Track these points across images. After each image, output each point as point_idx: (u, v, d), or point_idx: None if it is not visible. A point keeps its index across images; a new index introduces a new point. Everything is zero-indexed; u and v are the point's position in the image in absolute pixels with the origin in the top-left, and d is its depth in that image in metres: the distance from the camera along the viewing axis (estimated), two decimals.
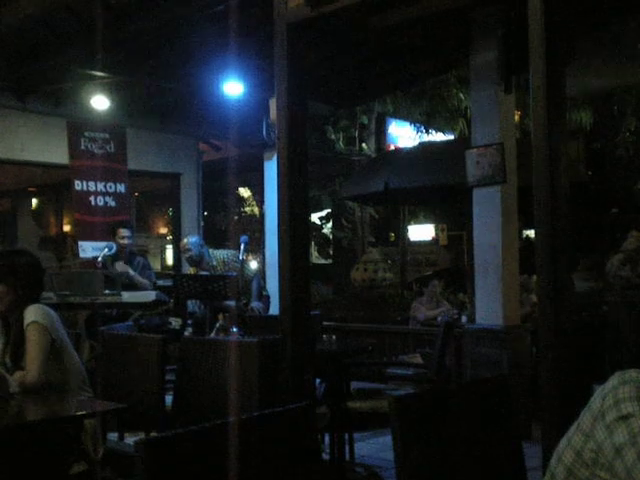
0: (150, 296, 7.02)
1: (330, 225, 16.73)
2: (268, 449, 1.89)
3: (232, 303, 6.28)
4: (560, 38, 3.01)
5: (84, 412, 3.29)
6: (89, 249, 8.52)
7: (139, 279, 7.24)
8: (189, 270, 7.43)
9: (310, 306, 4.03)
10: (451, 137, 13.68)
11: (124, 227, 7.59)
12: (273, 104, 6.99)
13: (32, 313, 3.48)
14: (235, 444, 1.74)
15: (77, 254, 8.72)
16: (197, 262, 7.08)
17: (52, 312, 3.58)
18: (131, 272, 7.22)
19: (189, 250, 7.05)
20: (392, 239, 17.80)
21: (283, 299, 3.79)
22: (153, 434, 3.62)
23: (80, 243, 8.71)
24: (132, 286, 7.13)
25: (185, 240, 7.25)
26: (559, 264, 2.97)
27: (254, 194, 17.67)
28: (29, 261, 3.69)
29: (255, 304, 6.85)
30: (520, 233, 9.79)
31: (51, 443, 3.08)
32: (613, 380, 1.70)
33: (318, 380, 4.81)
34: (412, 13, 3.83)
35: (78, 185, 8.71)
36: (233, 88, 7.95)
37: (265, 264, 8.99)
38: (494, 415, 2.30)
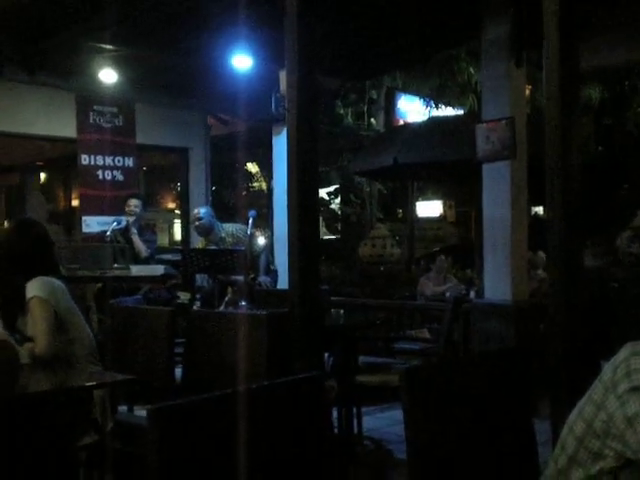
0: (159, 270, 7.04)
1: (338, 201, 16.71)
2: (278, 419, 1.89)
3: (240, 277, 6.28)
4: (574, 12, 2.97)
5: (93, 383, 3.31)
6: (94, 224, 8.53)
7: (139, 244, 7.28)
8: (199, 243, 7.42)
9: (319, 280, 4.03)
10: (461, 112, 13.60)
11: (134, 197, 7.62)
12: (283, 76, 6.96)
13: (34, 287, 3.47)
14: (245, 413, 1.74)
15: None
16: (207, 232, 7.07)
17: (56, 284, 3.56)
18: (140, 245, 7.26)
19: (200, 219, 7.04)
20: (400, 215, 17.78)
21: (292, 273, 3.78)
22: None
23: (84, 218, 8.72)
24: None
25: (196, 210, 7.28)
26: (570, 240, 2.96)
27: (262, 169, 17.63)
28: (22, 233, 3.67)
29: (263, 278, 6.85)
30: (528, 210, 9.77)
31: (60, 414, 3.09)
32: (625, 351, 1.70)
33: (326, 354, 4.82)
34: None
35: (85, 160, 8.71)
36: (242, 61, 7.91)
37: (273, 239, 8.97)
38: (504, 387, 2.30)
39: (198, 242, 7.58)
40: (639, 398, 1.59)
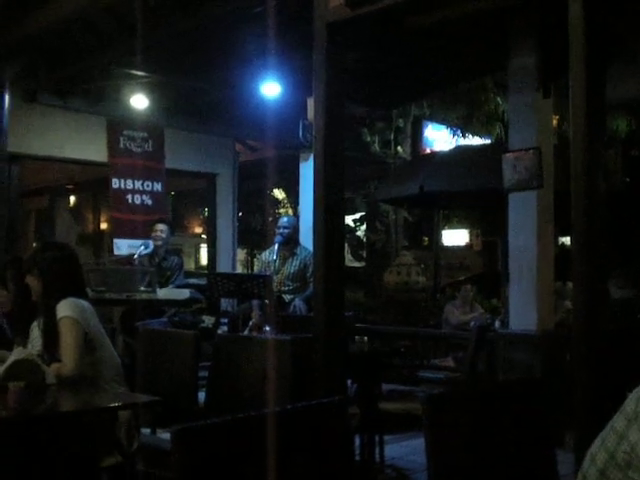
0: (184, 294, 7.10)
1: (364, 228, 16.72)
2: (300, 443, 1.90)
3: (256, 302, 6.31)
4: (600, 44, 2.99)
5: (118, 404, 3.34)
6: (124, 247, 8.64)
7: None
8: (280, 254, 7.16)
9: (343, 307, 4.04)
10: (488, 141, 13.60)
11: (162, 222, 7.69)
12: (311, 104, 7.02)
13: (64, 307, 3.52)
14: (267, 436, 1.76)
15: (112, 251, 8.83)
16: (287, 240, 7.06)
17: (85, 305, 3.62)
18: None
19: (286, 227, 7.06)
20: (426, 243, 17.75)
21: (317, 299, 3.81)
22: None
23: (115, 241, 8.82)
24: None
25: (285, 218, 7.46)
26: (595, 271, 2.95)
27: (288, 195, 17.72)
28: (56, 255, 3.73)
29: (298, 302, 6.85)
30: (555, 239, 9.71)
31: (85, 433, 3.12)
32: None
33: (349, 381, 4.82)
34: (450, 14, 3.83)
35: (115, 183, 8.83)
36: (270, 89, 8.00)
37: None
38: (527, 417, 2.29)
39: (262, 256, 7.51)
40: None
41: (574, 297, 3.06)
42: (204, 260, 16.71)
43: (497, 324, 8.09)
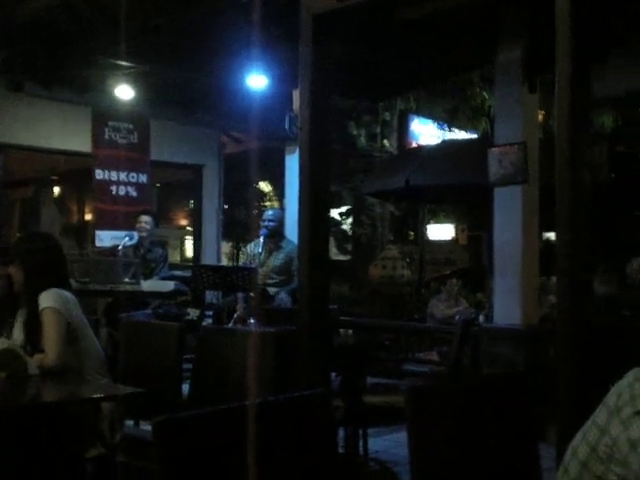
0: (169, 286, 7.08)
1: (350, 221, 16.71)
2: (282, 435, 1.90)
3: (241, 295, 6.30)
4: (586, 39, 2.99)
5: (101, 395, 3.32)
6: (107, 238, 8.59)
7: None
8: (266, 247, 7.15)
9: (328, 300, 4.04)
10: (474, 136, 13.62)
11: (146, 214, 7.66)
12: (296, 96, 7.00)
13: (47, 298, 3.50)
14: (249, 428, 1.75)
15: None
16: (272, 234, 7.02)
17: (68, 296, 3.60)
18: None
19: (271, 220, 7.04)
20: (411, 237, 17.76)
21: (302, 291, 3.80)
22: None
23: (98, 232, 8.78)
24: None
25: (270, 211, 7.48)
26: (579, 266, 2.96)
27: (274, 188, 17.68)
28: (38, 246, 3.71)
29: (283, 295, 6.84)
30: (540, 234, 9.74)
31: (68, 425, 3.11)
32: (629, 377, 1.70)
33: (333, 374, 4.82)
34: (441, 7, 3.82)
35: (99, 174, 8.78)
36: (257, 81, 7.97)
37: None
38: (510, 411, 2.30)
39: (247, 249, 7.48)
40: None
41: (558, 291, 3.07)
42: (190, 252, 16.65)
43: (481, 318, 8.10)
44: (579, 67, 2.89)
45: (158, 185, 14.26)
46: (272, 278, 7.02)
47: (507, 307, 6.24)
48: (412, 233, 17.37)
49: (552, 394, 3.18)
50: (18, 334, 3.70)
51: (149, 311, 6.65)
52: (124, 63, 7.74)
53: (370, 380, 5.52)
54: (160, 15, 6.35)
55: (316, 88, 3.57)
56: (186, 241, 19.50)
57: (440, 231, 19.51)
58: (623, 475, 1.63)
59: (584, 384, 3.05)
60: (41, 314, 3.48)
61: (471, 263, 15.50)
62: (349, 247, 16.87)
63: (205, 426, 1.75)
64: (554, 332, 3.60)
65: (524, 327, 6.11)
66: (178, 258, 19.16)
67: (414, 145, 14.51)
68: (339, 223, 16.73)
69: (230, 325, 5.60)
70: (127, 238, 7.30)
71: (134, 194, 8.95)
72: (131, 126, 8.99)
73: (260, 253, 6.97)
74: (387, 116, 14.02)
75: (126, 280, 6.57)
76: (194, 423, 1.73)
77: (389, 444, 5.64)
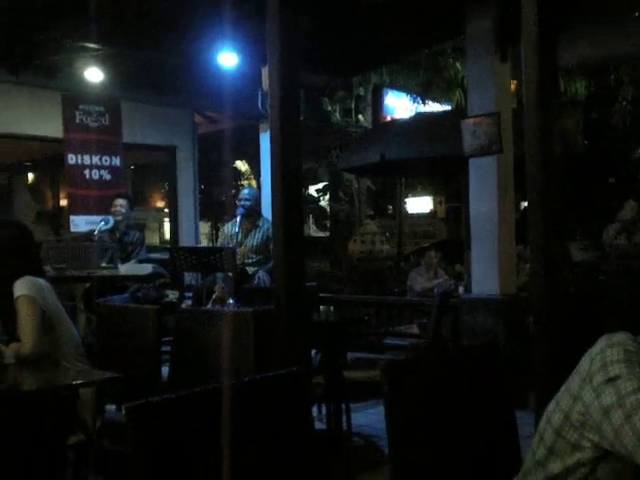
0: (147, 269, 7.04)
1: (327, 198, 16.71)
2: (259, 415, 1.90)
3: (220, 276, 6.28)
4: (552, 5, 2.98)
5: (80, 381, 3.30)
6: (82, 223, 8.53)
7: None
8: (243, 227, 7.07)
9: (305, 276, 4.03)
10: (448, 108, 13.62)
11: (120, 197, 7.60)
12: (266, 73, 6.95)
13: (21, 286, 3.47)
14: (226, 409, 1.74)
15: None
16: (248, 213, 6.98)
17: (42, 283, 3.57)
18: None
19: (247, 199, 6.99)
20: (390, 212, 17.80)
21: (277, 269, 3.79)
22: None
23: (72, 217, 8.71)
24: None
25: (246, 190, 7.33)
26: (551, 233, 2.97)
27: (252, 167, 17.62)
28: (7, 234, 3.67)
29: (261, 274, 6.82)
30: (517, 205, 9.79)
31: (47, 412, 3.09)
32: (600, 343, 1.71)
33: (314, 351, 4.82)
34: None
35: (72, 159, 8.70)
36: (227, 59, 7.91)
37: None
38: (486, 381, 2.31)
39: (224, 229, 7.43)
40: (614, 389, 1.60)
41: (531, 261, 3.08)
42: (168, 234, 16.62)
43: (461, 290, 8.15)
44: (545, 34, 2.88)
45: (132, 167, 14.18)
46: (250, 257, 7.00)
47: (485, 277, 6.28)
48: (390, 207, 17.42)
49: (531, 362, 3.20)
50: None
51: (127, 295, 6.62)
52: (92, 45, 7.65)
53: (351, 355, 5.54)
54: None
55: (285, 64, 3.53)
56: (165, 223, 19.42)
57: (418, 204, 19.58)
58: (596, 441, 1.64)
59: (561, 352, 3.07)
60: (15, 302, 3.45)
61: (450, 235, 15.55)
62: (328, 224, 16.89)
63: (180, 409, 1.74)
64: (532, 301, 3.62)
65: (502, 297, 6.15)
66: (157, 240, 19.10)
67: (388, 119, 14.49)
68: (316, 200, 16.74)
69: (209, 306, 5.57)
70: (102, 222, 7.24)
71: (108, 177, 8.88)
72: (102, 109, 8.90)
73: (237, 233, 6.93)
74: (361, 91, 14.00)
75: (103, 265, 6.53)
76: (168, 407, 1.72)
77: (372, 418, 5.67)
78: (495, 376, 2.33)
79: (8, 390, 3.14)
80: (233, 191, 16.76)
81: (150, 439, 1.66)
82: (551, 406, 1.78)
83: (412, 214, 17.94)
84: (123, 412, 4.02)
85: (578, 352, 3.05)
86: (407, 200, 17.19)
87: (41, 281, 3.58)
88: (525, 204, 13.41)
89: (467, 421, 2.18)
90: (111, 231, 7.33)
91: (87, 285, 6.70)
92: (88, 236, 7.45)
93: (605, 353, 1.67)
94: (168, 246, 11.37)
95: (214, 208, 15.99)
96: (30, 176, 15.47)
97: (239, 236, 6.92)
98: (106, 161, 8.88)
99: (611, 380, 1.61)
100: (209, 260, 6.23)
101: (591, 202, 11.82)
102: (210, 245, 14.94)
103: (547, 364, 3.10)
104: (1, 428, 2.95)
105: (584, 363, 1.72)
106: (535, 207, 2.92)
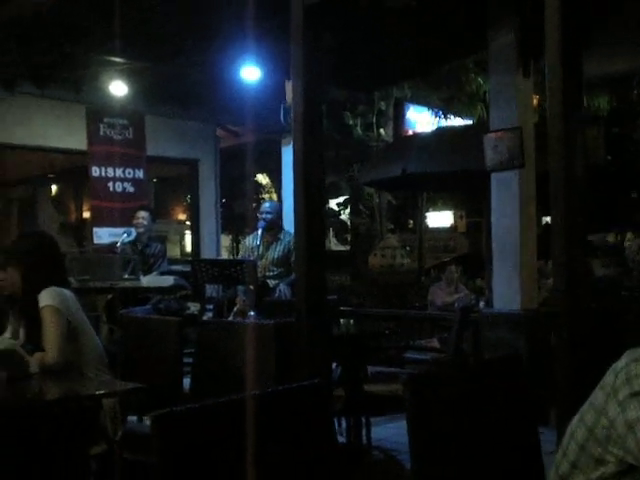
0: (168, 281, 7.08)
1: (348, 211, 16.71)
2: (281, 426, 1.90)
3: (241, 288, 6.30)
4: (576, 21, 2.99)
5: (102, 391, 3.33)
6: (105, 235, 8.60)
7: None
8: (264, 239, 7.11)
9: (326, 289, 4.04)
10: (470, 122, 13.60)
11: (143, 209, 7.66)
12: (289, 87, 6.99)
13: (45, 296, 3.50)
14: (248, 420, 1.75)
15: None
16: (269, 226, 7.02)
17: (67, 293, 3.60)
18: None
19: (268, 212, 7.02)
20: (410, 226, 17.77)
21: (299, 283, 3.81)
22: None
23: (95, 230, 8.78)
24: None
25: (268, 204, 7.42)
26: (573, 250, 2.96)
27: (272, 180, 17.68)
28: (34, 244, 3.71)
29: (282, 287, 6.84)
30: (539, 219, 9.74)
31: (70, 422, 3.11)
32: (625, 358, 1.71)
33: (334, 364, 4.82)
34: None
35: (96, 171, 8.78)
36: (251, 73, 7.95)
37: None
38: (509, 395, 2.30)
39: (246, 242, 7.47)
40: (639, 403, 1.60)
41: (553, 276, 3.07)
42: (189, 247, 16.69)
43: (482, 304, 8.12)
44: (570, 50, 2.89)
45: (155, 180, 14.28)
46: (271, 270, 7.02)
47: (506, 292, 6.25)
48: (411, 221, 17.39)
49: (553, 378, 3.18)
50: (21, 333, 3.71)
51: (149, 306, 6.66)
52: (117, 59, 7.72)
53: (372, 369, 5.53)
54: (152, 9, 6.32)
55: (308, 80, 3.56)
56: (186, 236, 19.50)
57: (439, 219, 19.52)
58: (621, 456, 1.64)
59: (583, 367, 3.05)
60: (41, 312, 3.48)
61: (470, 249, 15.49)
62: (348, 237, 16.89)
63: (203, 419, 1.75)
64: (553, 315, 3.61)
65: (523, 312, 6.12)
66: (178, 253, 19.19)
67: (410, 133, 14.49)
68: (337, 214, 16.75)
69: (230, 318, 5.60)
70: (125, 234, 7.30)
71: (131, 190, 8.96)
72: (126, 122, 8.99)
73: (259, 246, 6.96)
74: (382, 105, 14.01)
75: (125, 276, 6.58)
76: (192, 417, 1.74)
77: (392, 432, 5.65)
78: (518, 389, 2.32)
79: (32, 399, 3.17)
80: (254, 204, 16.83)
81: (174, 448, 1.68)
82: (575, 421, 1.78)
83: (432, 228, 17.90)
84: (145, 422, 4.05)
85: (600, 368, 3.03)
86: (428, 214, 17.15)
87: (66, 291, 3.62)
88: (546, 219, 13.36)
89: (490, 436, 2.18)
90: (133, 243, 7.39)
91: (109, 296, 6.76)
92: (111, 248, 7.52)
93: (630, 367, 1.66)
94: (189, 258, 11.43)
95: (235, 221, 16.06)
96: (54, 188, 15.61)
97: (260, 249, 6.95)
98: (129, 174, 8.96)
99: (635, 394, 1.61)
100: (230, 272, 6.26)
101: (613, 217, 11.74)
102: (231, 258, 14.98)
103: (569, 380, 3.08)
104: (25, 437, 2.98)
105: (608, 378, 1.71)
106: (558, 221, 2.91)
